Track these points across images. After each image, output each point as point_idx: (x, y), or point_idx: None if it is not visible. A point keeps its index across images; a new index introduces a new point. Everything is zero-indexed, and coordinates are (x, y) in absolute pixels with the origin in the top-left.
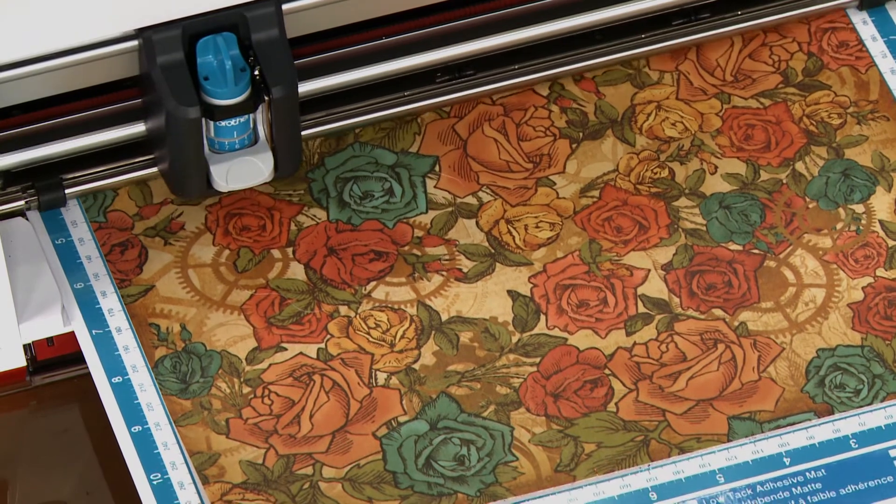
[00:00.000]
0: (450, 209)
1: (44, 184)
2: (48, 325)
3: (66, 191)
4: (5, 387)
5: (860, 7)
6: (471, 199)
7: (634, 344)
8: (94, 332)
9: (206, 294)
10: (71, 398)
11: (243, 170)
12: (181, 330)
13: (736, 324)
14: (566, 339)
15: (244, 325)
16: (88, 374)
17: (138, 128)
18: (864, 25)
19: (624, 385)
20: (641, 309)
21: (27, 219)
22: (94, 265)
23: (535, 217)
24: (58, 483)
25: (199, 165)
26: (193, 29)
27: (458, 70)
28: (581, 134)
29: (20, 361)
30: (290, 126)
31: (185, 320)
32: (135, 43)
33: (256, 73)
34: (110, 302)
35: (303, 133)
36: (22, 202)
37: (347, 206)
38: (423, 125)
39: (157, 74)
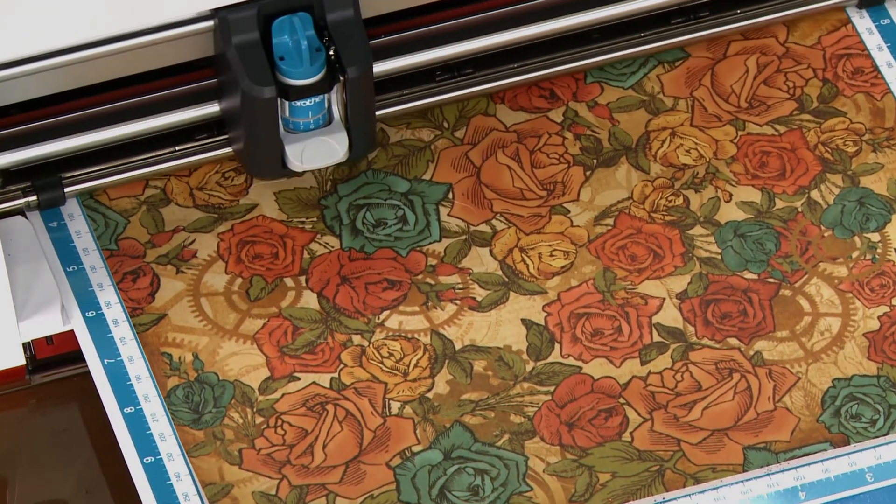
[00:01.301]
0: (463, 237)
1: (43, 182)
2: (47, 324)
3: (66, 189)
4: (5, 385)
5: (859, 6)
6: (484, 227)
7: (649, 373)
8: (105, 361)
9: (219, 323)
10: (70, 397)
11: (318, 150)
12: (194, 359)
13: (751, 353)
14: (581, 368)
15: (257, 355)
16: (88, 373)
17: (138, 126)
18: (880, 52)
19: (639, 414)
20: (656, 338)
21: (27, 217)
22: (106, 293)
23: (549, 245)
24: (57, 482)
25: (274, 145)
26: (269, 9)
27: (456, 69)
28: (595, 161)
29: (20, 360)
30: (364, 106)
31: (197, 349)
32: (210, 23)
33: (331, 52)
34: (122, 331)
35: (378, 113)
36: (21, 201)
37: (360, 234)
38: (437, 152)
39: (233, 54)
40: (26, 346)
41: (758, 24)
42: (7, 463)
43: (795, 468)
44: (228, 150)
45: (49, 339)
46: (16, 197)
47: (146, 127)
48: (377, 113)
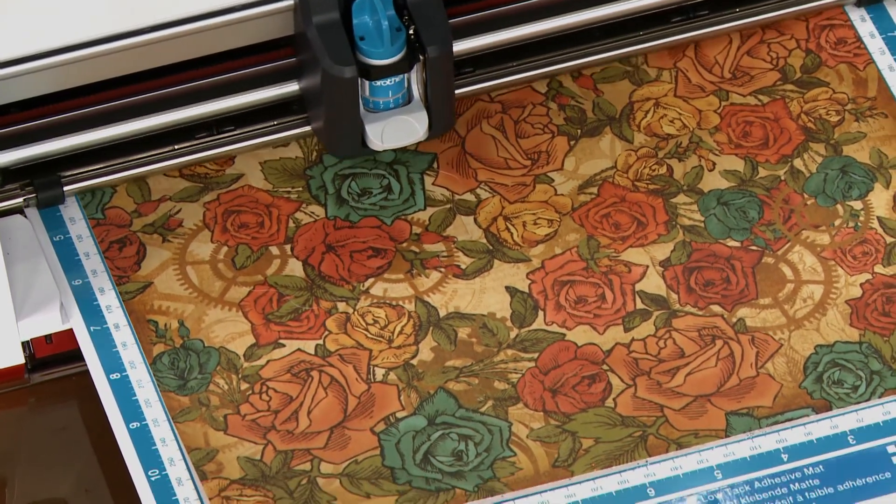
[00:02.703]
0: (448, 206)
1: (42, 181)
2: (47, 323)
3: (65, 188)
4: (4, 384)
5: (858, 3)
6: (469, 196)
7: (632, 340)
8: (92, 328)
9: (205, 291)
10: (70, 395)
11: (398, 129)
12: (179, 326)
13: (734, 320)
14: (564, 335)
15: (242, 322)
16: (87, 372)
17: (138, 125)
18: (863, 22)
19: (622, 381)
20: (640, 305)
21: (26, 216)
22: (93, 262)
23: (534, 214)
24: (56, 480)
25: (354, 124)
26: None
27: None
28: (579, 131)
29: (19, 359)
30: (444, 85)
31: (183, 317)
32: (291, 2)
33: (411, 32)
34: (108, 299)
35: (457, 92)
36: (20, 199)
37: (346, 203)
38: None
39: (313, 34)
40: (25, 345)
41: (757, 22)
42: (6, 462)
43: (778, 431)
44: (226, 149)
45: (48, 337)
46: (15, 195)
47: (145, 125)
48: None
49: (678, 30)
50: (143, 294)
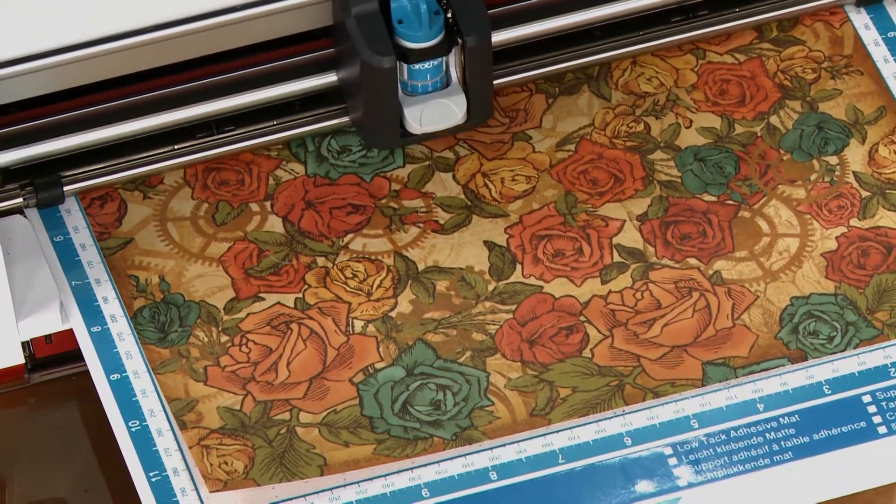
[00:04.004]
0: (426, 163)
1: (42, 181)
2: (47, 323)
3: (65, 188)
4: (4, 384)
5: (858, 3)
6: (447, 154)
7: (609, 292)
8: (73, 283)
9: (185, 247)
10: (69, 395)
11: (437, 112)
12: (160, 281)
13: (710, 272)
14: (542, 288)
15: (222, 277)
16: (87, 372)
17: (138, 125)
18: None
19: (599, 332)
20: (617, 258)
21: (25, 216)
22: (74, 218)
23: (512, 171)
24: (56, 480)
25: (393, 113)
26: None
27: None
28: (557, 89)
29: (19, 359)
30: (483, 74)
31: (163, 272)
32: None
33: (450, 16)
34: (89, 255)
35: (497, 82)
36: (20, 199)
37: (325, 161)
38: None
39: (352, 24)
40: (25, 345)
41: (757, 21)
42: (6, 461)
43: (754, 381)
44: (227, 148)
45: (48, 337)
46: (15, 195)
47: (145, 125)
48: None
49: (678, 30)
50: (124, 250)
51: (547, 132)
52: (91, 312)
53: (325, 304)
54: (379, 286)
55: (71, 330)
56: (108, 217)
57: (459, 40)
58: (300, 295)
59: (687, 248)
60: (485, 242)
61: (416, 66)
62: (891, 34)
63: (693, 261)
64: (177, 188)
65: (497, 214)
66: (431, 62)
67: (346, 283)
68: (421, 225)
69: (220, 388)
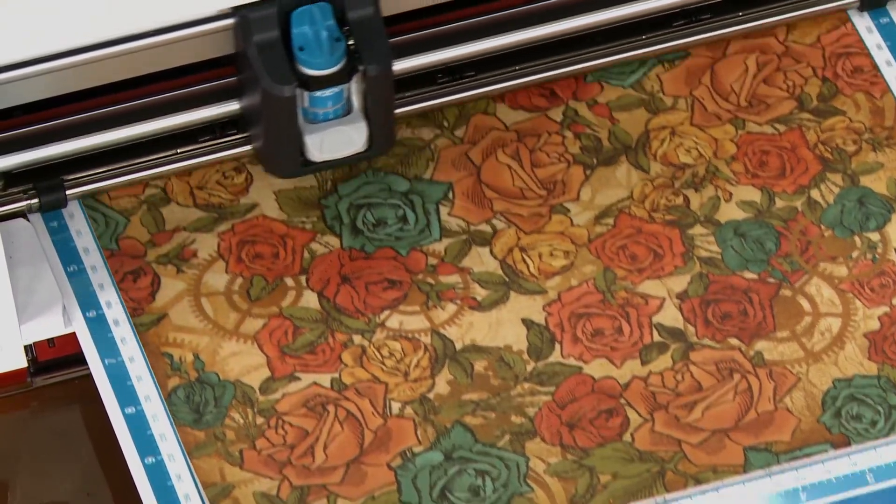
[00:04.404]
0: (464, 237)
1: (45, 185)
2: (49, 326)
3: (68, 192)
4: (6, 388)
5: (861, 8)
6: (485, 227)
7: (650, 373)
8: (106, 361)
9: (219, 323)
10: (72, 399)
11: (338, 139)
12: (194, 359)
13: (752, 353)
14: (581, 368)
15: (258, 355)
16: (89, 376)
17: (140, 129)
18: (869, 34)
19: (640, 415)
20: (657, 338)
21: (28, 220)
22: (107, 293)
23: (550, 245)
24: (58, 484)
25: (293, 141)
26: (289, 7)
27: (458, 72)
28: (595, 160)
29: (21, 362)
30: (384, 102)
31: (198, 349)
32: (230, 21)
33: (351, 43)
34: (123, 331)
35: (399, 110)
36: (23, 203)
37: (361, 234)
38: (437, 151)
39: (253, 52)
40: (28, 349)
41: (759, 26)
42: (8, 465)
43: (797, 469)
44: (230, 152)
45: (51, 341)
46: (18, 199)
47: (148, 129)
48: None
49: (680, 34)
50: (158, 326)
51: (585, 205)
52: (125, 392)
53: (362, 384)
54: (416, 366)
55: (73, 333)
56: (141, 292)
57: (360, 68)
58: (336, 375)
59: (728, 327)
60: (523, 320)
61: (317, 94)
62: None
63: (734, 341)
64: (210, 262)
65: (535, 291)
66: (332, 89)
67: (383, 363)
68: (458, 302)
69: (256, 472)
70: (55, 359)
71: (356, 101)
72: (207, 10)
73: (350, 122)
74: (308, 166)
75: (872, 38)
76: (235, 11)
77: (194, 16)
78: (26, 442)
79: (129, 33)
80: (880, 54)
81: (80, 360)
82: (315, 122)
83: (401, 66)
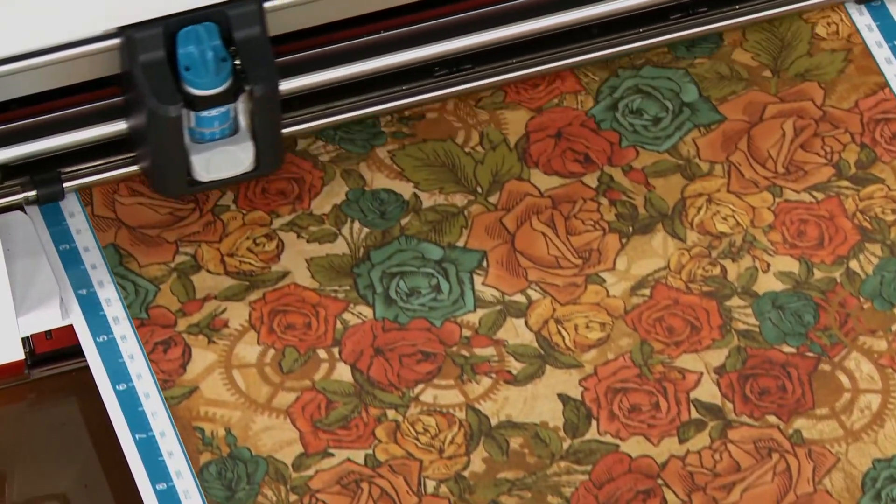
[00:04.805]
0: (498, 307)
1: (42, 178)
2: (47, 319)
3: (65, 184)
4: (4, 380)
5: (858, 0)
6: (519, 297)
7: (688, 452)
8: (137, 436)
9: (251, 396)
10: (70, 391)
11: (224, 159)
12: (226, 434)
13: (790, 431)
14: (618, 446)
15: (290, 430)
16: (87, 368)
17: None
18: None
19: (677, 496)
20: (694, 415)
21: (25, 213)
22: (137, 364)
23: (586, 317)
24: (56, 476)
25: (180, 160)
26: (175, 27)
27: (455, 64)
28: (631, 228)
29: (19, 354)
30: (271, 122)
31: (230, 424)
32: (116, 41)
33: (237, 63)
34: (153, 405)
35: (287, 130)
36: (20, 196)
37: (394, 304)
38: (471, 218)
39: (139, 73)
40: (25, 341)
41: (756, 19)
42: (6, 457)
43: None
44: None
45: (48, 333)
46: (15, 192)
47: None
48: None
49: (677, 27)
50: (189, 399)
51: (621, 275)
52: (155, 468)
53: (396, 461)
54: (451, 442)
55: (71, 326)
56: (171, 364)
57: (247, 87)
58: (370, 451)
59: (766, 403)
60: (559, 395)
61: (203, 114)
62: None
63: (773, 418)
64: (242, 332)
65: (571, 365)
66: (218, 109)
67: (418, 439)
68: (493, 375)
69: None
70: (53, 351)
71: (243, 121)
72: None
73: (237, 142)
74: (195, 186)
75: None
76: (121, 31)
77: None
78: (24, 434)
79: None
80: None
81: (77, 352)
82: (202, 142)
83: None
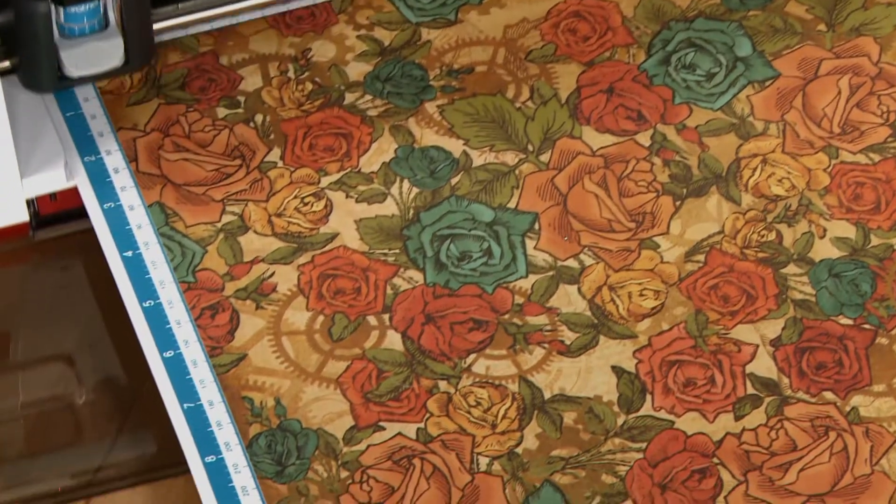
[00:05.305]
0: (550, 273)
1: None
2: (51, 180)
3: None
4: (8, 241)
5: None
6: (572, 263)
7: (743, 430)
8: (185, 405)
9: (301, 365)
10: (74, 253)
11: (93, 55)
12: (276, 405)
13: (847, 409)
14: (673, 423)
15: (341, 401)
16: (91, 230)
17: None
18: None
19: (733, 476)
20: (750, 390)
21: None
22: (184, 330)
23: (639, 284)
24: (60, 336)
25: (50, 56)
26: None
27: None
28: (685, 190)
29: (24, 216)
30: (140, 17)
31: (279, 394)
32: None
33: None
34: (201, 372)
35: (157, 26)
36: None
37: (445, 268)
38: (522, 178)
39: None
40: (30, 203)
41: None
42: (11, 317)
43: None
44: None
45: (52, 195)
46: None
47: None
48: (157, 26)
49: None
50: (237, 368)
51: (675, 239)
52: (205, 439)
53: (449, 436)
54: (504, 417)
55: (75, 187)
56: (219, 330)
57: None
58: (422, 425)
59: (822, 379)
60: (613, 368)
61: (72, 10)
62: None
63: (829, 395)
64: (291, 297)
65: (625, 335)
66: (87, 5)
67: (470, 413)
68: (546, 345)
69: None
70: (57, 212)
71: (113, 16)
72: None
73: (106, 38)
74: (64, 81)
75: None
76: None
77: None
78: (28, 295)
79: None
80: None
81: (81, 213)
82: (71, 38)
83: None
